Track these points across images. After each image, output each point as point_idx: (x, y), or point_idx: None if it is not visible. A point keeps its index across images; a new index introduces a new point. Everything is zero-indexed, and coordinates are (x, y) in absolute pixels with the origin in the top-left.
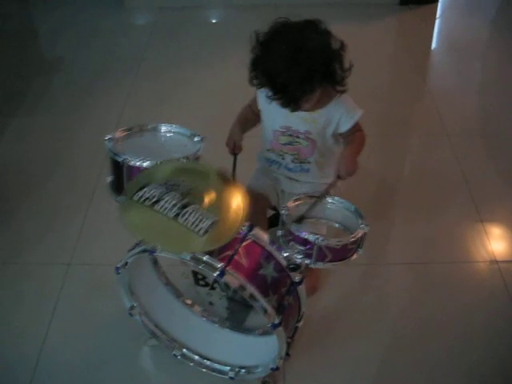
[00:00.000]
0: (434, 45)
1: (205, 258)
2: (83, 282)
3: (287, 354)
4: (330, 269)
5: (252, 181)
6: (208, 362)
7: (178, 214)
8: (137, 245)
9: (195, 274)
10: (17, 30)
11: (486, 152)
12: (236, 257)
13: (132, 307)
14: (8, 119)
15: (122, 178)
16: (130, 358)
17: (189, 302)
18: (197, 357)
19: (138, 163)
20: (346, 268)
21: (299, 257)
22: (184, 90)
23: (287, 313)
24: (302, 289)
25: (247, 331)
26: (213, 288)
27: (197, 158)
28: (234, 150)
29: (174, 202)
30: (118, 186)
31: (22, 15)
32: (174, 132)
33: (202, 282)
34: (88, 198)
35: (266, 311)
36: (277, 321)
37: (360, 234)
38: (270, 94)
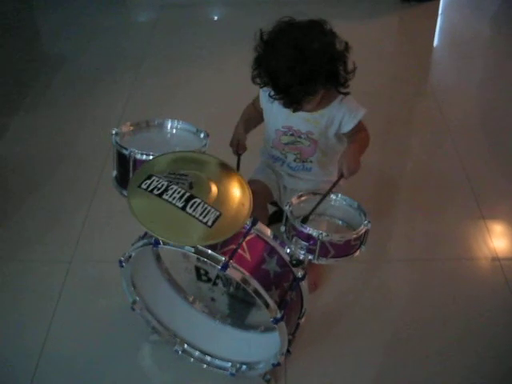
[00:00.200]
0: (435, 42)
1: (208, 252)
2: (85, 279)
3: (288, 351)
4: (333, 265)
5: (255, 172)
6: (209, 358)
7: (186, 204)
8: (141, 238)
9: (197, 269)
10: (19, 28)
11: (488, 149)
12: (239, 251)
13: (134, 302)
14: (10, 117)
15: (127, 171)
16: (131, 353)
17: (191, 297)
18: (198, 352)
19: (144, 156)
20: (348, 264)
21: (302, 252)
22: (186, 87)
23: (289, 308)
24: (304, 284)
25: (249, 328)
26: (215, 284)
27: None
28: (238, 149)
29: (182, 192)
30: (123, 180)
31: (23, 13)
32: (179, 128)
33: (204, 278)
34: (90, 196)
35: (268, 305)
36: (279, 315)
37: (363, 231)
38: (272, 93)
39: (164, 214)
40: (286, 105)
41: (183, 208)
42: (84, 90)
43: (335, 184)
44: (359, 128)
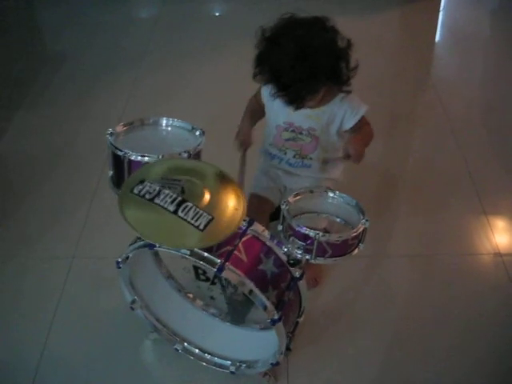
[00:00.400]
0: (437, 37)
1: (204, 254)
2: (87, 276)
3: (288, 349)
4: (331, 264)
5: (255, 184)
6: (209, 356)
7: (177, 208)
8: (138, 239)
9: (196, 268)
10: (20, 25)
11: (490, 144)
12: (235, 252)
13: (133, 301)
14: (11, 113)
15: (122, 172)
16: (131, 351)
17: (190, 296)
18: (197, 351)
19: (138, 158)
20: (349, 261)
21: (299, 252)
22: (187, 83)
23: (287, 308)
24: (302, 284)
25: (248, 326)
26: (213, 283)
27: (198, 152)
28: (244, 144)
29: (173, 196)
30: (118, 181)
31: (25, 9)
32: (175, 126)
33: (202, 277)
34: (91, 192)
35: (265, 307)
36: (276, 316)
37: (361, 229)
38: (274, 90)
39: (155, 218)
40: (289, 102)
41: (175, 212)
42: (85, 87)
43: (338, 159)
44: (362, 124)
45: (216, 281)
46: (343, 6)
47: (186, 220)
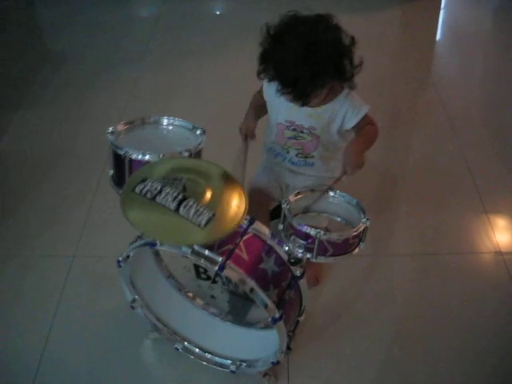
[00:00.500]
0: (438, 36)
1: (205, 253)
2: (87, 275)
3: (288, 348)
4: (332, 263)
5: (255, 177)
6: (209, 356)
7: (178, 206)
8: (138, 238)
9: (197, 267)
10: (20, 24)
11: (491, 143)
12: (237, 251)
13: (134, 300)
14: (12, 112)
15: (123, 171)
16: (131, 350)
17: (190, 295)
18: (198, 350)
19: (139, 157)
20: (350, 260)
21: (300, 251)
22: (188, 82)
23: (288, 307)
24: (303, 283)
25: (249, 325)
26: (214, 281)
27: (199, 151)
28: (247, 135)
29: (174, 194)
30: (119, 180)
31: (25, 9)
32: (175, 125)
33: (203, 276)
34: (92, 190)
35: (266, 305)
36: (277, 315)
37: (362, 228)
38: (279, 87)
39: (157, 216)
40: (295, 99)
41: (176, 209)
42: (85, 86)
43: (337, 180)
44: (365, 123)
45: (217, 279)
46: (344, 4)
47: (186, 218)
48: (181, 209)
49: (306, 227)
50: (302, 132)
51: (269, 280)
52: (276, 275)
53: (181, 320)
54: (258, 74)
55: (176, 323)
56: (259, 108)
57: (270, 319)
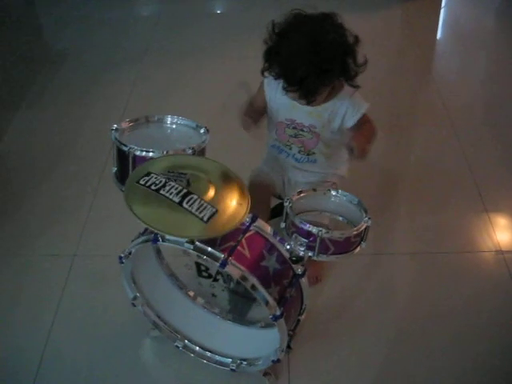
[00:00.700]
0: (439, 35)
1: (208, 249)
2: (88, 274)
3: (289, 347)
4: (333, 261)
5: (257, 169)
6: (209, 354)
7: (182, 200)
8: (140, 234)
9: (198, 265)
10: (20, 23)
11: (492, 142)
12: (239, 247)
13: (135, 297)
14: (12, 112)
15: (127, 168)
16: (132, 348)
17: (191, 293)
18: (198, 348)
19: (143, 153)
20: (351, 259)
21: (302, 249)
22: (189, 80)
23: (289, 305)
24: (304, 281)
25: (249, 323)
26: (215, 280)
27: (202, 150)
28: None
29: (179, 188)
30: (122, 177)
31: (26, 8)
32: (179, 124)
33: (204, 274)
34: (93, 189)
35: (267, 303)
36: (278, 312)
37: (363, 227)
38: (284, 85)
39: (160, 208)
40: (300, 97)
41: (180, 203)
42: (86, 85)
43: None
44: (364, 121)
45: (218, 277)
46: (344, 2)
47: (190, 211)
48: (184, 203)
49: (308, 225)
50: (302, 130)
51: (270, 277)
52: (277, 273)
53: (181, 318)
54: (263, 71)
55: (177, 321)
56: (257, 113)
57: (270, 316)
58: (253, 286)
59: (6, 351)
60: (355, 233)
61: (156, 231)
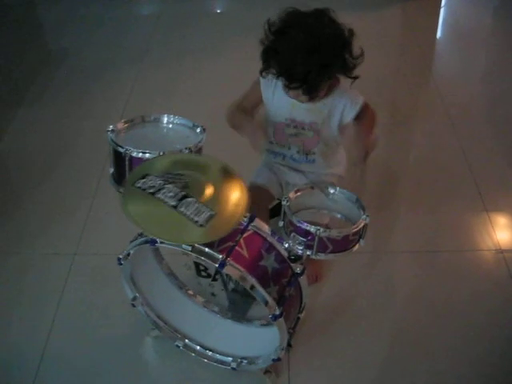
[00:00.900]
0: (438, 34)
1: (206, 250)
2: (88, 273)
3: (289, 345)
4: (332, 260)
5: (255, 175)
6: (210, 353)
7: (178, 204)
8: (139, 235)
9: (197, 264)
10: (21, 22)
11: (491, 141)
12: (237, 248)
13: (134, 298)
14: (13, 110)
15: (124, 169)
16: (132, 348)
17: (191, 292)
18: (199, 347)
19: (140, 154)
20: (350, 257)
21: (300, 248)
22: (189, 80)
23: (288, 304)
24: (303, 280)
25: (249, 322)
26: (215, 279)
27: (199, 149)
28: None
29: (174, 191)
30: (119, 178)
31: (26, 6)
32: (176, 123)
33: (203, 273)
34: (93, 189)
35: (266, 302)
36: (277, 312)
37: (361, 225)
38: (286, 83)
39: (156, 213)
40: (304, 93)
41: (175, 207)
42: (86, 83)
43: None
44: (364, 112)
45: (217, 277)
46: (344, 2)
47: (186, 215)
48: (180, 206)
49: (305, 224)
50: (302, 129)
51: (269, 277)
52: (276, 272)
53: (181, 318)
54: (261, 71)
55: (177, 321)
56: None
57: (270, 316)
58: (252, 286)
59: (7, 349)
60: (353, 231)
61: (152, 237)
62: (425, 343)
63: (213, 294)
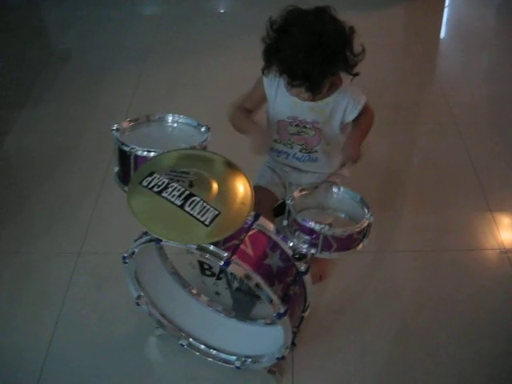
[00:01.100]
0: (442, 34)
1: (211, 248)
2: (93, 272)
3: (293, 344)
4: (336, 258)
5: (257, 177)
6: (214, 352)
7: (184, 203)
8: (144, 234)
9: (201, 263)
10: (25, 22)
11: (495, 140)
12: (242, 246)
13: (139, 297)
14: (17, 110)
15: (129, 168)
16: (136, 347)
17: (195, 291)
18: (203, 346)
19: (145, 153)
20: (354, 256)
21: (305, 246)
22: (192, 80)
23: (293, 302)
24: (307, 278)
25: (253, 321)
26: (219, 278)
27: (204, 149)
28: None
29: (181, 190)
30: (124, 177)
31: (29, 7)
32: (180, 122)
33: (208, 272)
34: (97, 187)
35: (271, 301)
36: (282, 310)
37: (365, 224)
38: (289, 81)
39: (162, 212)
40: (307, 90)
41: (181, 206)
42: (90, 84)
43: (336, 174)
44: (364, 113)
45: (221, 276)
46: (347, 2)
47: (192, 215)
48: (186, 206)
49: (310, 222)
50: (304, 127)
51: (274, 275)
52: (281, 271)
53: (186, 316)
54: (263, 70)
55: (181, 320)
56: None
57: (274, 314)
58: (256, 285)
59: (11, 349)
60: (358, 229)
61: (158, 237)
62: (428, 342)
63: (217, 293)
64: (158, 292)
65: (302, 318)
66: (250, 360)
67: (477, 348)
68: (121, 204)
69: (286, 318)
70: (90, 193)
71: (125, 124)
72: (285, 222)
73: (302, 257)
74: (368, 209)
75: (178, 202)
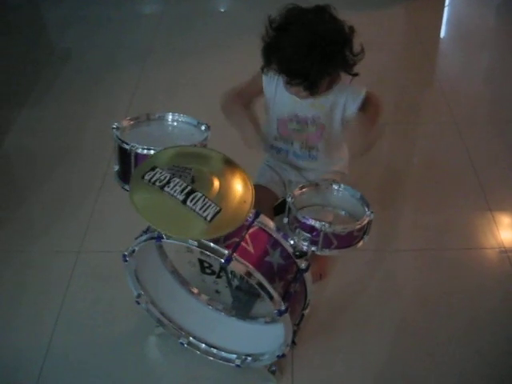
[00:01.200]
0: (442, 33)
1: (211, 245)
2: (93, 270)
3: (293, 342)
4: (336, 256)
5: (257, 175)
6: (215, 350)
7: (186, 198)
8: (144, 232)
9: (201, 262)
10: (25, 22)
11: (495, 140)
12: (243, 243)
13: (139, 295)
14: (17, 110)
15: (129, 166)
16: (137, 346)
17: (195, 290)
18: (203, 345)
19: (145, 151)
20: (354, 254)
21: (305, 244)
22: (192, 79)
23: (293, 300)
24: (308, 276)
25: (253, 319)
26: (219, 276)
27: (204, 147)
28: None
29: (183, 185)
30: (124, 175)
31: (30, 6)
32: (180, 121)
33: (208, 271)
34: (98, 186)
35: (272, 298)
36: (283, 307)
37: (366, 221)
38: (288, 79)
39: (164, 207)
40: (305, 89)
41: (183, 201)
42: (90, 84)
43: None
44: (369, 103)
45: (222, 274)
46: (347, 2)
47: (194, 210)
48: (188, 201)
49: (311, 220)
50: (305, 124)
51: (274, 273)
52: (281, 268)
53: (186, 315)
54: (262, 68)
55: (181, 318)
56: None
57: (275, 311)
58: (258, 282)
59: (11, 348)
60: (358, 227)
61: (160, 231)
62: (428, 341)
63: (217, 292)
64: (158, 291)
65: (303, 315)
66: (250, 358)
67: (477, 348)
68: (121, 202)
69: (286, 314)
70: (89, 192)
71: (125, 122)
72: (285, 220)
73: (302, 254)
74: (368, 206)
75: (180, 198)
